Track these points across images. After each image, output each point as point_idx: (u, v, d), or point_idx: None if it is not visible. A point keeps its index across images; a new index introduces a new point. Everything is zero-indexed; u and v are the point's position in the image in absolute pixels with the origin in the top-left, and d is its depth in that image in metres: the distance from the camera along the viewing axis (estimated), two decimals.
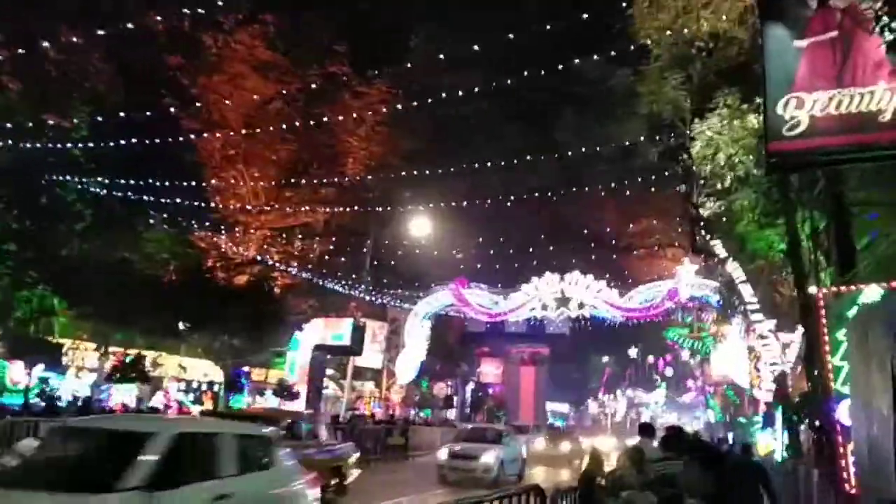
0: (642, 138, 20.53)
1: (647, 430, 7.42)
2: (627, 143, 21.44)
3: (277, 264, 27.32)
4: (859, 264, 9.21)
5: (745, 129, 16.47)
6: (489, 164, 27.84)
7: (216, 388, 24.79)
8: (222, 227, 27.52)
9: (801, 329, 17.94)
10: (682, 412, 74.28)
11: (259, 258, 27.20)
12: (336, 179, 29.99)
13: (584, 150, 22.70)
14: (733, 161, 17.36)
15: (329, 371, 31.88)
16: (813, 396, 12.09)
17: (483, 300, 31.12)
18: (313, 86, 29.48)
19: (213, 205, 27.22)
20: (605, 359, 74.34)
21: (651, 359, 58.27)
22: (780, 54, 6.43)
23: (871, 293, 8.09)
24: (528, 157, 25.08)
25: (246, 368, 27.16)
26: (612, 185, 24.87)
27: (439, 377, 43.61)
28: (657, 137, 19.86)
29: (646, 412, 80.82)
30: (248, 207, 28.45)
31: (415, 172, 27.83)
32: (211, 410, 20.52)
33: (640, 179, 22.73)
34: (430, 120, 31.87)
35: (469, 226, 33.57)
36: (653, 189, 23.06)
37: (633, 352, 60.87)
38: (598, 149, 22.34)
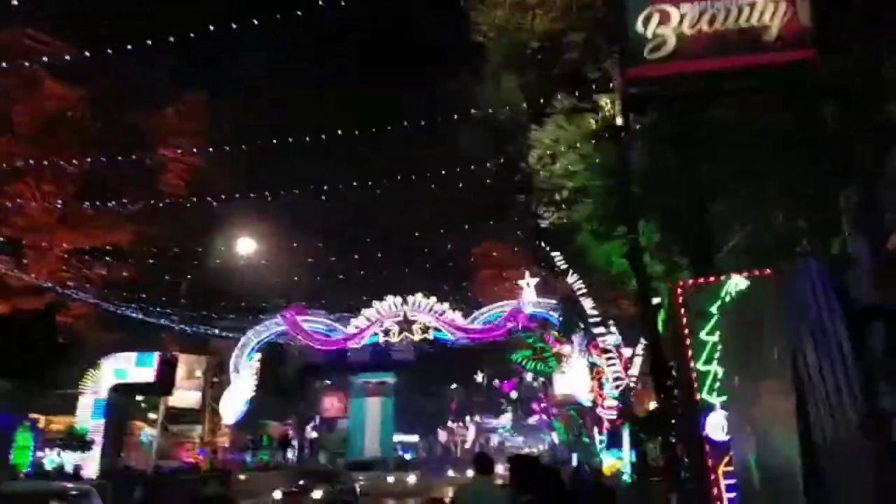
0: (480, 146, 19.48)
1: (482, 463, 5.66)
2: (467, 152, 20.30)
3: (72, 291, 23.29)
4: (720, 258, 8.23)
5: (582, 133, 15.80)
6: (324, 181, 25.83)
7: None
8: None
9: (643, 342, 17.53)
10: (528, 435, 75.27)
11: (49, 284, 23.04)
12: (149, 196, 26.51)
13: (421, 162, 21.33)
14: (570, 170, 16.70)
15: (152, 415, 27.89)
16: (664, 411, 11.17)
17: (319, 327, 28.76)
18: (123, 91, 26.18)
19: None
20: (454, 386, 73.77)
21: (496, 383, 58.23)
22: None
23: (736, 284, 6.96)
24: (359, 171, 23.39)
25: (36, 416, 22.76)
26: (455, 199, 23.66)
27: (276, 415, 40.30)
28: (496, 145, 18.85)
29: (494, 438, 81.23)
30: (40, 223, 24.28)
31: (239, 189, 25.17)
32: None
33: (479, 191, 21.69)
34: (260, 133, 29.30)
35: (306, 248, 31.13)
36: (494, 202, 22.08)
37: (479, 377, 60.62)
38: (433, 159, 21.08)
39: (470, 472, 10.12)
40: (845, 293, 4.08)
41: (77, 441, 19.99)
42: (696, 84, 5.02)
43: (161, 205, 27.10)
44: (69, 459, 19.29)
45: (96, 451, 20.05)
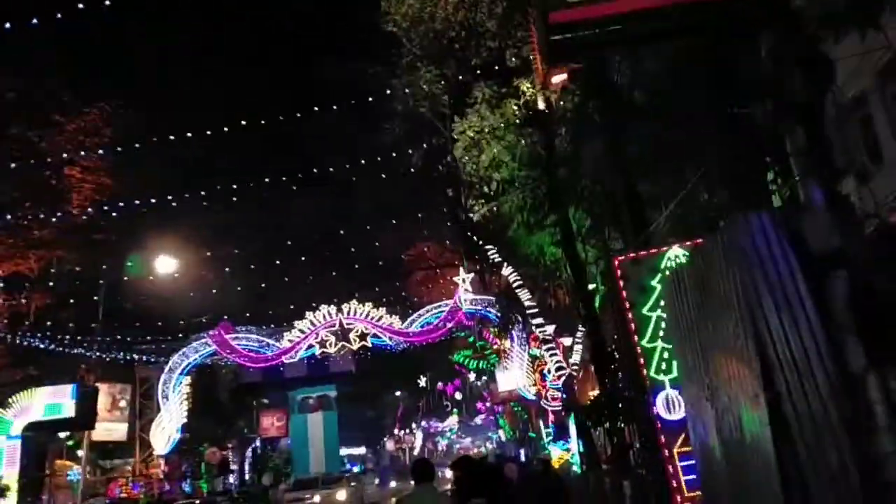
0: (403, 141, 18.97)
1: (421, 471, 5.08)
2: (389, 148, 19.66)
3: None
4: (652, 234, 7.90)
5: (505, 120, 15.52)
6: (241, 186, 24.79)
7: None
8: None
9: (582, 329, 17.33)
10: (476, 436, 74.97)
11: None
12: (54, 219, 24.75)
13: (343, 162, 20.56)
14: (497, 162, 16.43)
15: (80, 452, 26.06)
16: (608, 395, 10.86)
17: (250, 344, 27.53)
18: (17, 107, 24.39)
19: None
20: (399, 393, 72.84)
21: (440, 385, 57.70)
22: None
23: (675, 255, 6.64)
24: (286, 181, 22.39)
25: None
26: (382, 198, 22.91)
27: (215, 440, 38.58)
28: (419, 138, 18.38)
29: (442, 441, 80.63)
30: None
31: (154, 202, 23.73)
32: None
33: (406, 188, 21.09)
34: (174, 146, 27.92)
35: (233, 264, 29.72)
36: (422, 198, 21.50)
37: (423, 381, 60.03)
38: (360, 160, 20.32)
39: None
40: (801, 243, 3.69)
41: None
42: (621, 26, 4.62)
43: (69, 227, 25.50)
44: None
45: (12, 498, 18.39)
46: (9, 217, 22.01)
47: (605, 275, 11.11)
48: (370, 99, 17.21)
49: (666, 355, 6.35)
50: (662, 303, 6.44)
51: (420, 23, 15.91)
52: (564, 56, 5.89)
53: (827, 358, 3.56)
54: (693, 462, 5.59)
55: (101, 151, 23.53)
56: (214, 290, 28.60)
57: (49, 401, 20.23)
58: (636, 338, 6.59)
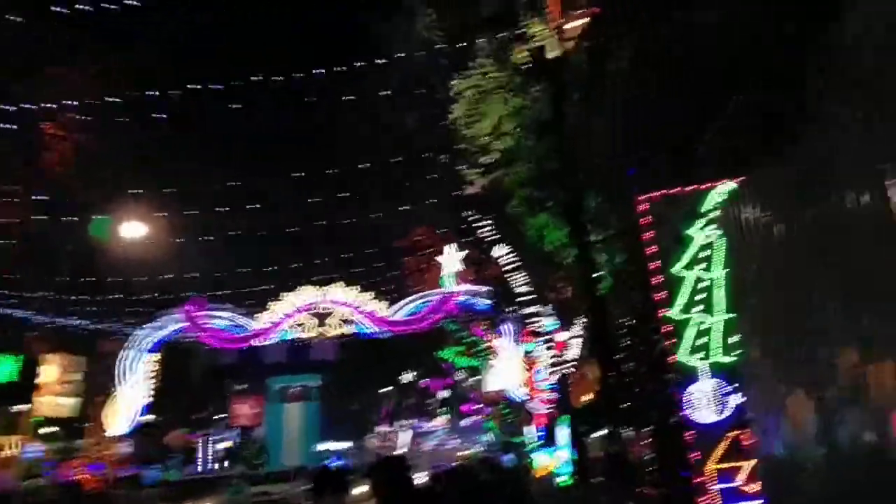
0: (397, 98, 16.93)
1: (325, 482, 3.24)
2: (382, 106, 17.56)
3: None
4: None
5: (510, 76, 13.63)
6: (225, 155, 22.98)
7: None
8: None
9: (582, 322, 15.42)
10: (465, 437, 72.80)
11: None
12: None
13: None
14: (500, 128, 14.59)
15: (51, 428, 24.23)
16: (612, 393, 8.93)
17: (223, 323, 25.54)
18: None
19: None
20: (388, 389, 71.03)
21: (427, 382, 55.86)
22: None
23: (726, 193, 4.73)
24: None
25: None
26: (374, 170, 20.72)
27: (185, 424, 36.76)
28: (414, 98, 16.41)
29: (429, 442, 78.50)
30: None
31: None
32: None
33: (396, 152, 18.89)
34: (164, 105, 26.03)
35: (207, 234, 27.52)
36: (416, 167, 19.33)
37: (409, 377, 58.13)
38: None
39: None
40: None
41: None
42: None
43: (38, 185, 23.69)
44: None
45: None
46: None
47: (620, 234, 9.23)
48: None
49: (706, 331, 4.42)
50: (705, 258, 4.52)
51: None
52: None
53: None
54: (740, 483, 3.68)
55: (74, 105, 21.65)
56: (190, 264, 26.64)
57: None
58: (663, 307, 4.68)
